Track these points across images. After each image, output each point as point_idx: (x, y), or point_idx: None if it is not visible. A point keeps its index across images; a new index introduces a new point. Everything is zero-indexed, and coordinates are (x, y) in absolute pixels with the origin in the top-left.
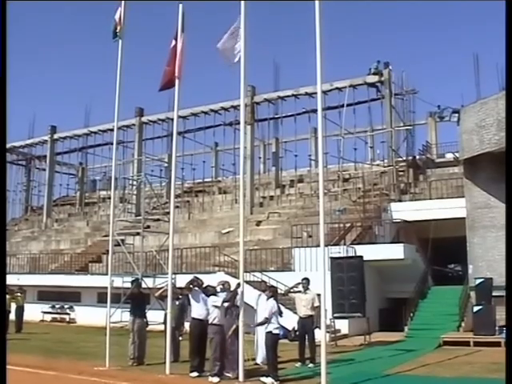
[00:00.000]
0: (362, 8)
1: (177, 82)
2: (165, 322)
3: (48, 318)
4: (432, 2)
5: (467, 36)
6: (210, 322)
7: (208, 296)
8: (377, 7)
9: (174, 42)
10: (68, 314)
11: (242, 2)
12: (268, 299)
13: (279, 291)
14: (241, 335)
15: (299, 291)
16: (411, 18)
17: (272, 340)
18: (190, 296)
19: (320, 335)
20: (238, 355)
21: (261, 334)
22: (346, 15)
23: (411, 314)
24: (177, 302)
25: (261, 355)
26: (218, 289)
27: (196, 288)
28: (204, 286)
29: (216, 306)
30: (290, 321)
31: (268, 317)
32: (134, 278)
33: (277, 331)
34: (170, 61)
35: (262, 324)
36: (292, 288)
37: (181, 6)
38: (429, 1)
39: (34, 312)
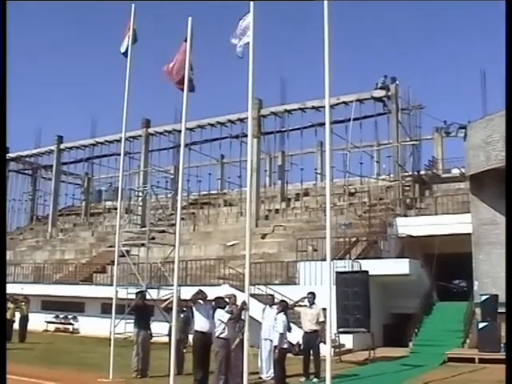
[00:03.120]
0: (369, 23)
1: (185, 94)
2: (169, 335)
3: (51, 327)
4: (440, 18)
5: (474, 53)
6: (216, 335)
7: (219, 308)
8: (384, 23)
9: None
10: (72, 324)
11: (251, 15)
12: (278, 313)
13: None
14: (246, 349)
15: (304, 305)
16: (418, 34)
17: (281, 355)
18: (193, 308)
19: (325, 350)
20: (241, 369)
21: (265, 347)
22: (354, 30)
23: (416, 330)
24: (182, 315)
25: (265, 369)
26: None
27: (200, 301)
28: (215, 297)
29: (222, 321)
30: (294, 335)
31: (283, 332)
32: (139, 290)
33: (286, 346)
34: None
35: (280, 341)
36: (297, 302)
37: (190, 19)
38: (436, 16)
39: (38, 321)
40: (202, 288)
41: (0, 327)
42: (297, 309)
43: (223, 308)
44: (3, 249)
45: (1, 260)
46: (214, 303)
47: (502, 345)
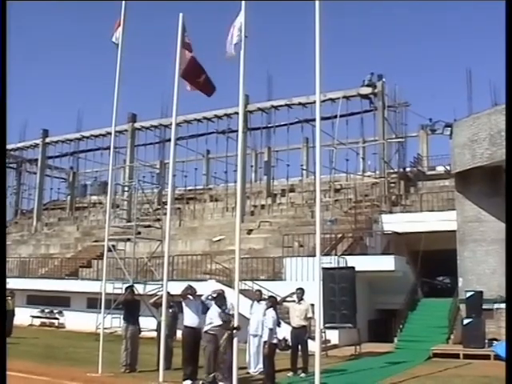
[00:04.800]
0: (356, 20)
1: (175, 91)
2: (158, 330)
3: (37, 322)
4: (427, 16)
5: (461, 51)
6: (204, 330)
7: (216, 305)
8: (372, 20)
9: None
10: (57, 318)
11: (243, 14)
12: (267, 309)
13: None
14: (235, 344)
15: (293, 301)
16: (406, 32)
17: (271, 350)
18: (183, 304)
19: (313, 346)
20: (230, 364)
21: (253, 343)
22: (341, 27)
23: (401, 326)
24: (170, 310)
25: (253, 364)
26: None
27: (190, 296)
28: (217, 293)
29: (212, 322)
30: (280, 330)
31: (272, 327)
32: (129, 285)
33: (275, 341)
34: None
35: (270, 336)
36: (286, 297)
37: (181, 15)
38: (423, 15)
39: (23, 316)
40: (190, 283)
41: (0, 323)
42: (285, 304)
43: (220, 306)
44: (3, 246)
45: (1, 257)
46: (210, 296)
47: (486, 341)
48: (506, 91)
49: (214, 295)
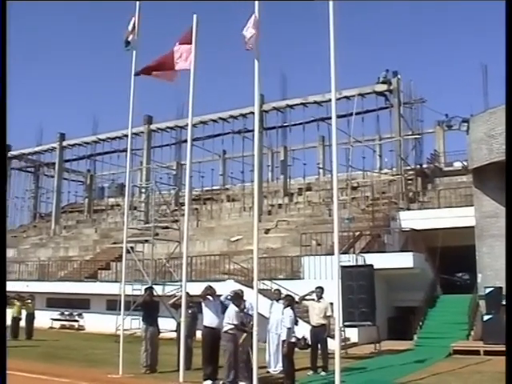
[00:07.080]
0: (371, 17)
1: (191, 92)
2: (177, 331)
3: (57, 324)
4: (442, 13)
5: (476, 46)
6: (223, 330)
7: (234, 305)
8: (386, 17)
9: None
10: (77, 321)
11: (256, 15)
12: (285, 308)
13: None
14: (255, 344)
15: (312, 299)
16: (420, 28)
17: (290, 349)
18: (202, 304)
19: (333, 344)
20: (249, 363)
21: (272, 342)
22: (356, 24)
23: (420, 323)
24: (189, 311)
25: (273, 363)
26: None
27: (209, 297)
28: (234, 293)
29: (229, 323)
30: (299, 329)
31: (290, 327)
32: (148, 286)
33: (294, 340)
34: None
35: (288, 335)
36: (305, 296)
37: (195, 16)
38: (438, 10)
39: (43, 319)
40: (209, 284)
41: (0, 326)
42: (305, 302)
43: (238, 306)
44: (3, 247)
45: (1, 258)
46: (229, 296)
47: None
48: (506, 91)
49: (231, 295)
